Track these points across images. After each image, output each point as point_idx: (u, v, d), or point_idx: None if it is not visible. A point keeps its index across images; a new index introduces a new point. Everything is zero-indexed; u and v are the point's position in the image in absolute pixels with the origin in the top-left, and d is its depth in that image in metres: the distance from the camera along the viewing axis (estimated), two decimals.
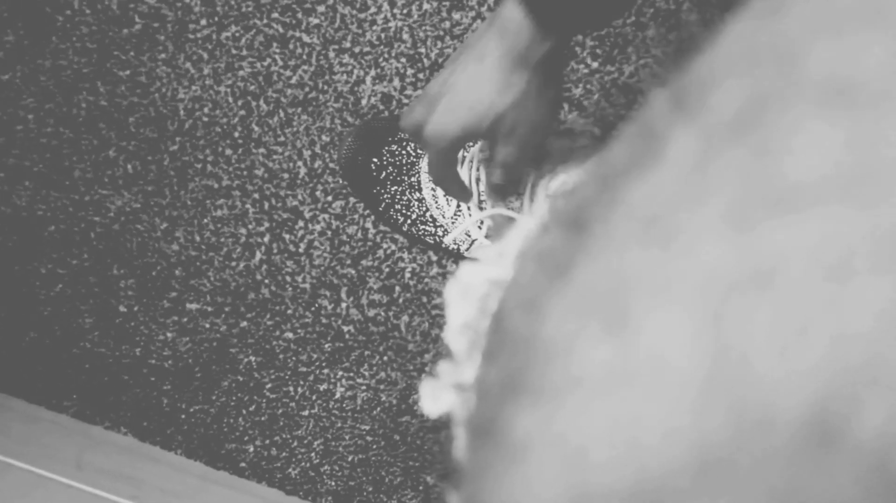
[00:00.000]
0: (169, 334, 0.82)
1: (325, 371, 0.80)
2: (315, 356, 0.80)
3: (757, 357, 0.12)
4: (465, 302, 0.26)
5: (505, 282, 0.21)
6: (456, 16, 0.71)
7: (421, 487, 0.81)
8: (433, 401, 0.26)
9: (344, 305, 0.78)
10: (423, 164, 0.65)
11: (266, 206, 0.77)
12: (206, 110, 0.77)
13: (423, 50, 0.72)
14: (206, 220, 0.79)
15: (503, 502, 0.15)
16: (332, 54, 0.74)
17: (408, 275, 0.76)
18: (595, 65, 0.71)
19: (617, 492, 0.13)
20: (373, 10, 0.72)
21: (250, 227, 0.78)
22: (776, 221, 0.12)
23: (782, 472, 0.12)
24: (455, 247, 0.66)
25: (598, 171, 0.17)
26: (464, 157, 0.63)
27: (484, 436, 0.17)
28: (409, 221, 0.68)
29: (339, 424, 0.81)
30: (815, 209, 0.12)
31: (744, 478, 0.12)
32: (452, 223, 0.64)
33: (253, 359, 0.81)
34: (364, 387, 0.80)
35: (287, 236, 0.78)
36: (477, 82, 0.46)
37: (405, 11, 0.72)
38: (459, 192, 0.55)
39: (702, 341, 0.13)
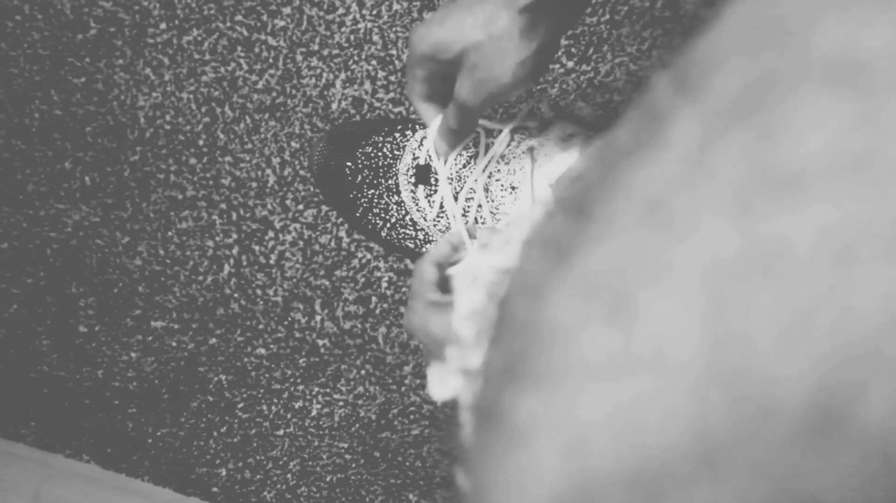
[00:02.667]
0: (133, 354, 0.78)
1: (300, 387, 0.77)
2: (289, 372, 0.76)
3: (759, 343, 0.12)
4: (474, 289, 0.26)
5: (512, 270, 0.21)
6: (427, 16, 0.69)
7: None
8: (440, 386, 0.27)
9: (318, 318, 0.75)
10: (401, 166, 0.63)
11: (234, 216, 0.74)
12: (168, 118, 0.73)
13: (394, 52, 0.70)
14: (170, 233, 0.75)
15: (506, 485, 0.15)
16: (299, 57, 0.71)
17: (384, 284, 0.73)
18: (570, 64, 0.70)
19: (618, 478, 0.13)
20: (341, 11, 0.70)
21: (217, 239, 0.75)
22: (780, 205, 0.12)
23: (784, 459, 0.12)
24: None
25: (602, 155, 0.17)
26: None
27: (488, 420, 0.17)
28: (387, 226, 0.65)
29: (316, 443, 0.78)
30: (820, 193, 0.12)
31: (746, 464, 0.12)
32: (434, 226, 0.62)
33: (223, 377, 0.77)
34: (341, 403, 0.76)
35: (257, 248, 0.74)
36: (468, 3, 0.45)
37: (375, 12, 0.70)
38: (416, 103, 0.54)
39: (704, 327, 0.13)
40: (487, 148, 0.59)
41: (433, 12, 0.49)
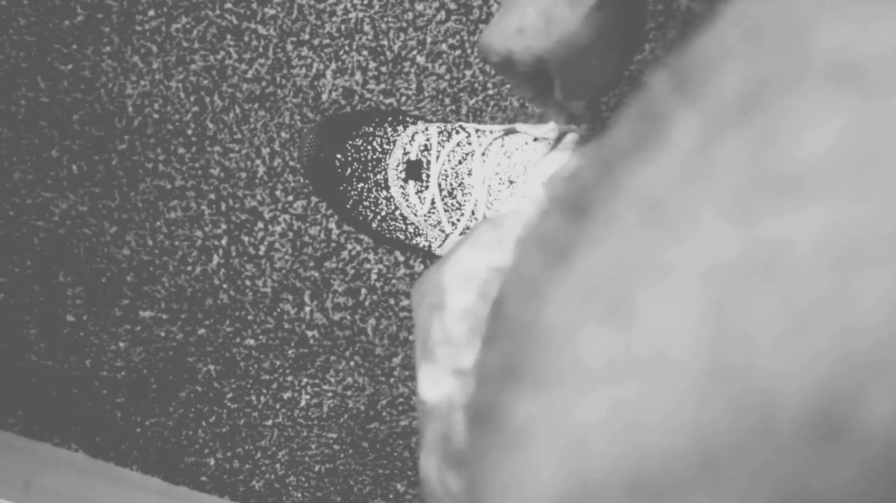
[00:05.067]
0: (121, 344, 0.78)
1: (289, 378, 0.77)
2: (278, 363, 0.76)
3: (760, 345, 0.12)
4: (466, 288, 0.26)
5: (505, 269, 0.21)
6: (419, 6, 0.69)
7: (391, 495, 0.78)
8: (432, 386, 0.26)
9: (308, 309, 0.75)
10: (391, 161, 0.63)
11: (223, 206, 0.74)
12: (156, 106, 0.73)
13: (385, 42, 0.70)
14: (158, 223, 0.75)
15: (503, 487, 0.15)
16: (289, 47, 0.70)
17: (374, 276, 0.73)
18: None
19: (617, 479, 0.13)
20: (332, 0, 0.69)
21: (206, 229, 0.74)
22: (780, 207, 0.12)
23: (785, 461, 0.12)
24: (427, 244, 0.64)
25: (600, 155, 0.17)
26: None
27: (483, 422, 0.17)
28: (377, 218, 0.65)
29: (305, 433, 0.78)
30: (821, 195, 0.12)
31: (746, 468, 0.12)
32: (425, 221, 0.62)
33: (212, 367, 0.77)
34: (330, 394, 0.77)
35: (246, 238, 0.74)
36: (522, 4, 0.38)
37: (366, 2, 0.69)
38: (531, 100, 0.47)
39: (704, 329, 0.12)
40: (483, 145, 0.59)
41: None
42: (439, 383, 0.26)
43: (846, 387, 0.11)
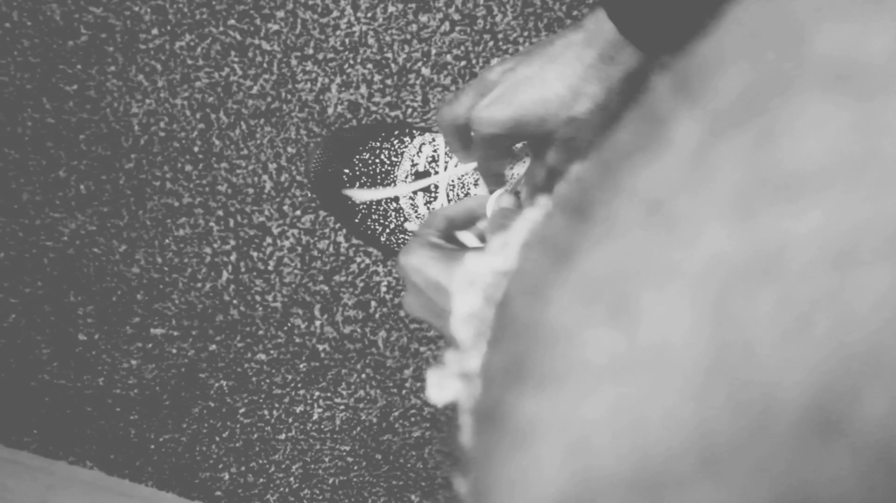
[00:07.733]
0: (133, 361, 0.78)
1: (301, 392, 0.77)
2: (290, 377, 0.76)
3: (759, 344, 0.12)
4: (471, 291, 0.26)
5: (510, 272, 0.21)
6: (423, 18, 0.69)
7: None
8: (439, 389, 0.27)
9: (318, 323, 0.75)
10: (399, 173, 0.63)
11: (231, 223, 0.74)
12: (162, 124, 0.73)
13: (389, 55, 0.69)
14: (167, 241, 0.75)
15: (510, 486, 0.15)
16: (294, 62, 0.70)
17: (383, 289, 0.73)
18: None
19: (619, 478, 0.13)
20: (335, 14, 0.69)
21: (215, 245, 0.74)
22: (780, 208, 0.12)
23: (784, 459, 0.12)
24: None
25: (602, 157, 0.17)
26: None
27: (488, 422, 0.17)
28: (386, 231, 0.65)
29: (318, 446, 0.78)
30: (820, 196, 0.12)
31: (745, 464, 0.12)
32: None
33: (224, 383, 0.77)
34: (342, 407, 0.77)
35: (255, 254, 0.74)
36: (550, 78, 0.44)
37: (370, 15, 0.69)
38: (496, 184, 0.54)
39: (704, 328, 0.13)
40: None
41: (488, 91, 0.47)
42: (446, 386, 0.26)
43: (843, 384, 0.11)
